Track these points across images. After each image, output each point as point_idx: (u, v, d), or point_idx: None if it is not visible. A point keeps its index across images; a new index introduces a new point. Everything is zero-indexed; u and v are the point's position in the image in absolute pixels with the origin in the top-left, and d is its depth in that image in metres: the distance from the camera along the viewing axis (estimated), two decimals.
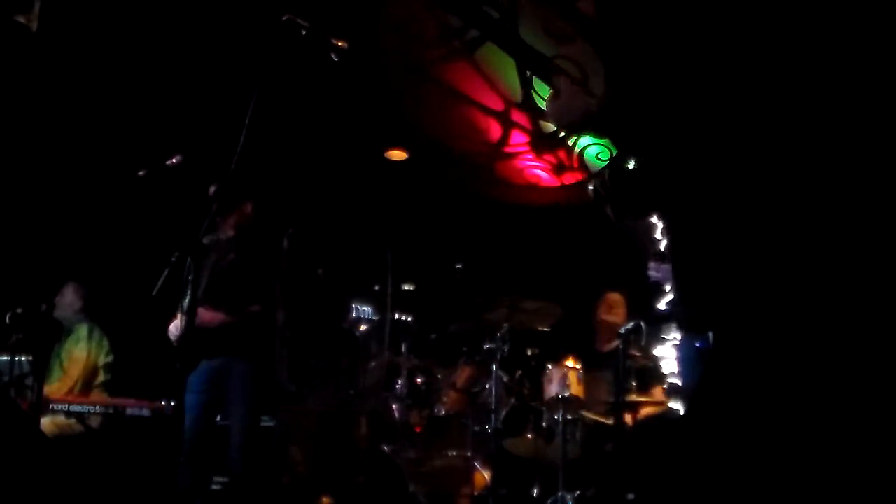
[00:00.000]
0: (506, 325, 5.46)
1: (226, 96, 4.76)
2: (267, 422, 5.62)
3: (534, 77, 7.62)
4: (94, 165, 6.67)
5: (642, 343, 5.10)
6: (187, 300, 4.81)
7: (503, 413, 5.37)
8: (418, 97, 7.89)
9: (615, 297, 5.91)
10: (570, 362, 5.36)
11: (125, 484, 5.22)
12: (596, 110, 2.04)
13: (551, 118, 2.21)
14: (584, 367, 5.38)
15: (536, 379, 5.61)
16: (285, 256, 4.97)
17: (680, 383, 5.31)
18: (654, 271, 2.33)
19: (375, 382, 5.88)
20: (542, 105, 7.82)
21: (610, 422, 5.11)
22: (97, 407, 5.78)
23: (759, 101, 1.82)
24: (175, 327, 4.96)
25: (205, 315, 4.73)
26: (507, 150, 8.04)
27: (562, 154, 8.00)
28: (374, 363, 5.91)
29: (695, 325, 1.97)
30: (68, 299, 6.18)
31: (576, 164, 7.93)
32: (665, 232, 2.07)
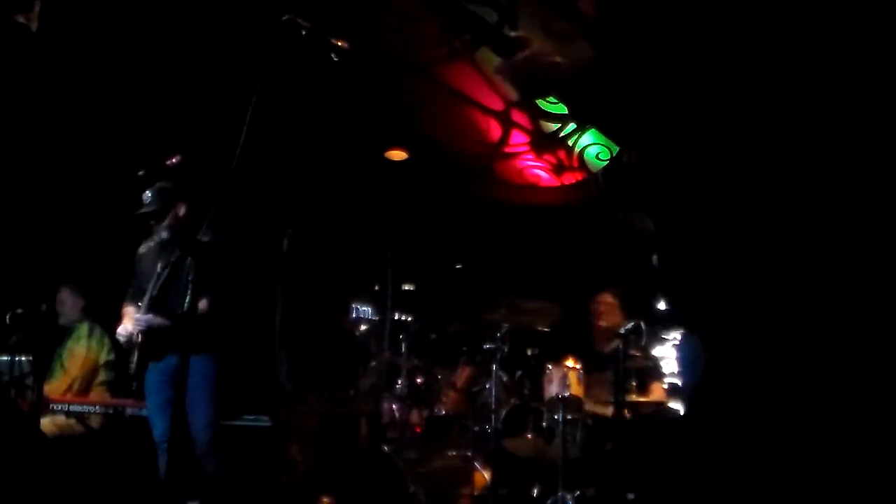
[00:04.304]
0: (506, 325, 5.46)
1: (226, 96, 4.75)
2: (267, 422, 5.63)
3: None
4: (94, 165, 6.66)
5: (642, 343, 5.10)
6: (145, 301, 4.85)
7: (503, 413, 5.37)
8: (418, 97, 7.88)
9: (606, 298, 5.89)
10: (570, 362, 5.36)
11: (125, 484, 5.22)
12: (562, 75, 1.94)
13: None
14: (584, 368, 5.38)
15: (536, 379, 5.61)
16: (285, 256, 4.96)
17: (680, 383, 5.31)
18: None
19: (375, 382, 5.88)
20: (543, 105, 7.82)
21: (609, 413, 5.12)
22: (97, 407, 5.79)
23: (758, 102, 1.82)
24: (123, 329, 4.97)
25: (153, 320, 4.76)
26: (507, 150, 8.04)
27: (562, 154, 8.00)
28: (374, 363, 5.91)
29: (689, 324, 1.96)
30: (69, 301, 6.18)
31: (576, 164, 7.93)
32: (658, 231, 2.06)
